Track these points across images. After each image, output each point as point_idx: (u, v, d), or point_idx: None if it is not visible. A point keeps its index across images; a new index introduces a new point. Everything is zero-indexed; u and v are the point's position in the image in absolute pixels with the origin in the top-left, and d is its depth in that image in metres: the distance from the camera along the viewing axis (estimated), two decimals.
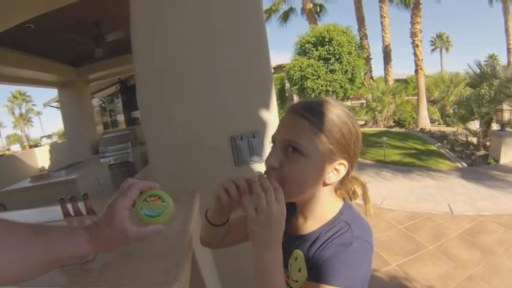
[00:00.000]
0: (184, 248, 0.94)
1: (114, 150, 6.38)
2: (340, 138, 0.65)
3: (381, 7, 13.53)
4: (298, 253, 0.70)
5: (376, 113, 12.53)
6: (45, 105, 9.07)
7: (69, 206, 1.46)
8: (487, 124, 7.25)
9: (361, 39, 14.06)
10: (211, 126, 1.61)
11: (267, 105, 1.62)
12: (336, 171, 0.67)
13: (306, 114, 0.65)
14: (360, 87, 12.80)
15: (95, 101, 9.07)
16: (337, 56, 11.98)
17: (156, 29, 1.55)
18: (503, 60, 19.15)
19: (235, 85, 1.60)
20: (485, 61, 8.90)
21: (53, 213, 1.52)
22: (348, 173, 0.69)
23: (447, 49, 40.39)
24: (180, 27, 1.54)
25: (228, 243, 0.91)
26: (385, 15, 13.61)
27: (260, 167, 1.65)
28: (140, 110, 1.59)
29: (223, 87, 1.60)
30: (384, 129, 11.83)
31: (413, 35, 11.73)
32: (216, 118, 1.61)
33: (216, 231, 0.84)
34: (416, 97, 12.43)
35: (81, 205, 1.48)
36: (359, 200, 0.77)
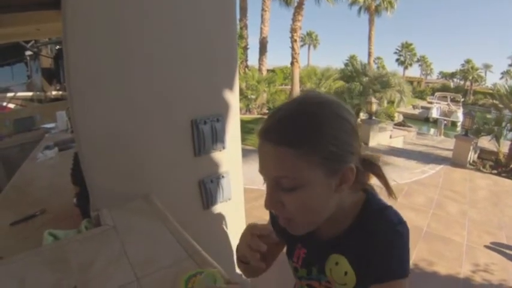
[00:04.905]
0: None
1: None
2: (336, 142, 0.55)
3: (263, 1, 14.26)
4: (339, 258, 0.65)
5: (250, 101, 13.00)
6: None
7: None
8: (357, 113, 8.85)
9: (241, 29, 14.52)
10: (167, 108, 1.24)
11: (230, 86, 1.39)
12: (345, 179, 0.57)
13: (282, 139, 0.54)
14: None
15: None
16: None
17: None
18: (363, 61, 23.25)
19: (196, 58, 1.29)
20: (347, 60, 10.61)
21: None
22: (358, 171, 0.59)
23: (314, 46, 46.29)
24: None
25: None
26: (266, 9, 14.47)
27: (222, 156, 1.44)
28: (69, 89, 1.04)
29: (182, 61, 1.26)
30: (259, 116, 12.37)
31: (293, 30, 12.86)
32: (173, 97, 1.26)
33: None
34: (289, 87, 13.59)
35: None
36: None
